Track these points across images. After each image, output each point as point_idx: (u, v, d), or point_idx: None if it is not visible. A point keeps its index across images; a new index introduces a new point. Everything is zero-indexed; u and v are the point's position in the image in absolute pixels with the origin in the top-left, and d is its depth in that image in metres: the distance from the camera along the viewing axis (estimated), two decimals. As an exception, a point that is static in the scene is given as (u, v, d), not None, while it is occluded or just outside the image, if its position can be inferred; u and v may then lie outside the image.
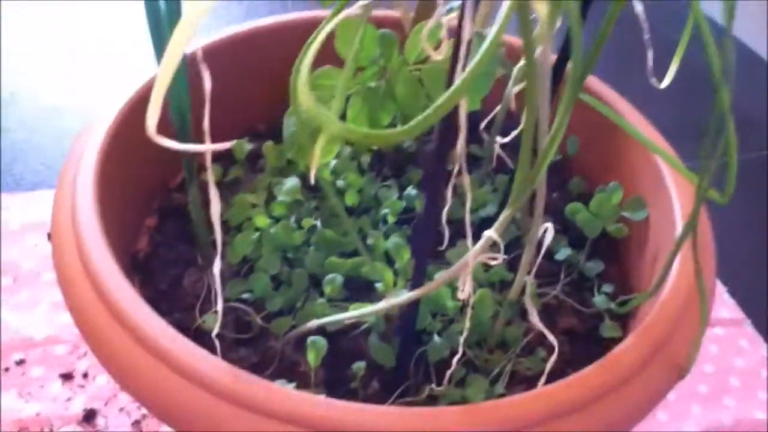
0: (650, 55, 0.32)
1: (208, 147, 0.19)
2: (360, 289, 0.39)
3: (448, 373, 0.33)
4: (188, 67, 0.34)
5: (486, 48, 0.17)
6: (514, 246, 0.41)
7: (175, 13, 0.32)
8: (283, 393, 0.27)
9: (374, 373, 0.36)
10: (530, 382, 0.36)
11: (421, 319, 0.36)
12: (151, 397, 0.29)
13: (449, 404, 0.34)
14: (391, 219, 0.42)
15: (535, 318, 0.31)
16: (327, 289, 0.37)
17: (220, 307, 0.27)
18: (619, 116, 0.38)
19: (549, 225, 0.30)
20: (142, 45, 0.34)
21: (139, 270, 0.41)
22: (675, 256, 0.30)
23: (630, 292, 0.42)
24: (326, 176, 0.44)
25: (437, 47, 0.28)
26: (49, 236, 0.56)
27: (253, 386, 0.28)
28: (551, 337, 0.31)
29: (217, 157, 0.46)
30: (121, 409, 0.46)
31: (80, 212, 0.34)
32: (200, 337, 0.36)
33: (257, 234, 0.40)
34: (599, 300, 0.40)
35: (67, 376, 0.48)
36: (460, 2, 0.22)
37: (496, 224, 0.28)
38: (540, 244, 0.31)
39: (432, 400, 0.35)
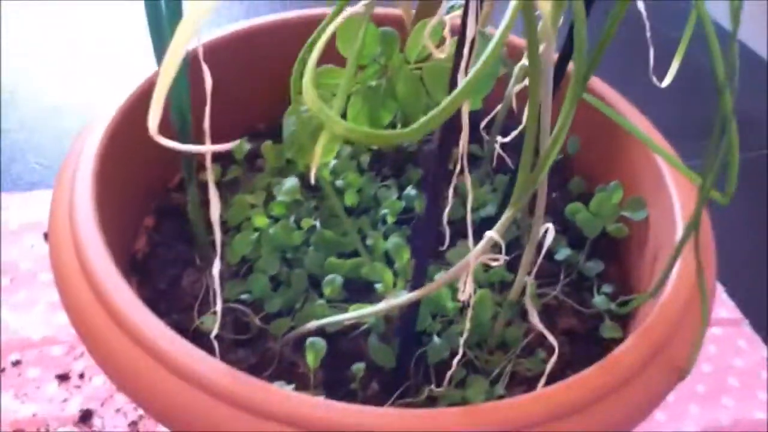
0: (651, 53, 0.32)
1: (208, 148, 0.19)
2: (360, 290, 0.38)
3: (449, 374, 0.33)
4: (189, 65, 0.34)
5: (492, 49, 0.17)
6: (513, 246, 0.40)
7: (175, 13, 0.32)
8: (281, 394, 0.27)
9: (374, 374, 0.35)
10: (530, 383, 0.36)
11: (421, 320, 0.36)
12: (149, 399, 0.29)
13: (449, 405, 0.34)
14: (390, 219, 0.42)
15: (535, 319, 0.31)
16: (326, 290, 0.37)
17: (219, 308, 0.27)
18: (619, 115, 0.38)
19: (550, 225, 0.30)
20: (142, 45, 0.34)
21: (138, 270, 0.41)
22: (677, 256, 0.30)
23: (630, 292, 0.42)
24: (326, 176, 0.44)
25: (439, 45, 0.28)
26: (46, 236, 0.56)
27: (252, 388, 0.27)
28: (551, 338, 0.31)
29: (216, 156, 0.46)
30: (118, 410, 0.46)
31: (78, 212, 0.34)
32: (199, 337, 0.36)
33: (256, 234, 0.40)
34: (599, 300, 0.40)
35: (63, 377, 0.48)
36: (462, 1, 0.21)
37: (498, 225, 0.28)
38: (540, 244, 0.31)
39: (432, 401, 0.34)
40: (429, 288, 0.30)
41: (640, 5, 0.29)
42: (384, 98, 0.34)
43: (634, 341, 0.31)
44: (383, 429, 0.26)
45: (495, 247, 0.28)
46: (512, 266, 0.38)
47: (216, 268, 0.25)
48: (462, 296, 0.29)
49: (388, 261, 0.39)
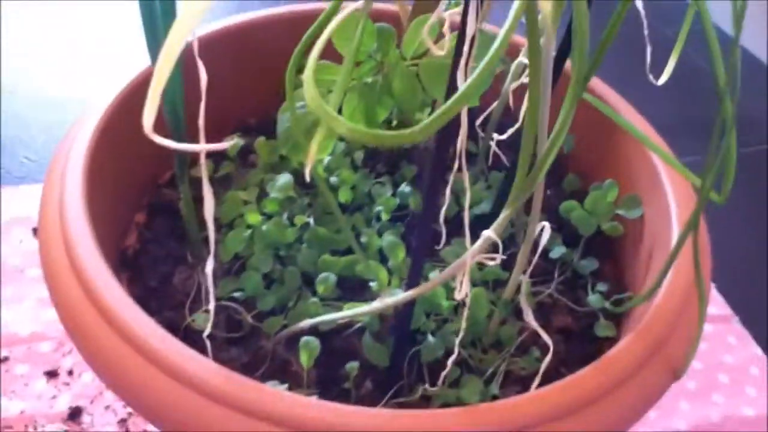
0: (648, 51, 0.32)
1: (203, 147, 0.19)
2: (354, 288, 0.38)
3: (443, 373, 0.33)
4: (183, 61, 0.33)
5: (495, 49, 0.16)
6: (508, 244, 0.40)
7: (169, 13, 0.31)
8: (274, 394, 0.27)
9: (367, 373, 0.35)
10: (525, 382, 0.35)
11: (416, 318, 0.35)
12: (139, 398, 0.28)
13: (443, 405, 0.34)
14: (384, 216, 0.42)
15: (530, 317, 0.31)
16: (320, 288, 0.37)
17: (212, 306, 0.27)
18: (615, 113, 0.37)
19: (546, 224, 0.30)
20: (141, 44, 0.34)
21: (128, 267, 0.40)
22: (675, 257, 0.29)
23: (624, 290, 0.41)
24: (320, 172, 0.43)
25: (436, 42, 0.28)
26: (35, 231, 0.55)
27: (244, 387, 0.27)
28: (546, 337, 0.31)
29: (209, 152, 0.45)
30: (107, 407, 0.46)
31: (68, 207, 0.33)
32: (190, 335, 0.36)
33: (249, 231, 0.39)
34: (594, 299, 0.40)
35: (52, 374, 0.47)
36: (461, -3, 0.21)
37: (495, 224, 0.27)
38: (536, 243, 0.31)
39: (426, 400, 0.34)
40: (425, 287, 0.30)
41: (639, 4, 0.29)
42: (380, 95, 0.34)
43: (630, 342, 0.31)
44: (376, 430, 0.26)
45: (491, 246, 0.28)
46: (507, 264, 0.38)
47: (209, 265, 0.25)
48: (458, 295, 0.29)
49: (383, 258, 0.39)
